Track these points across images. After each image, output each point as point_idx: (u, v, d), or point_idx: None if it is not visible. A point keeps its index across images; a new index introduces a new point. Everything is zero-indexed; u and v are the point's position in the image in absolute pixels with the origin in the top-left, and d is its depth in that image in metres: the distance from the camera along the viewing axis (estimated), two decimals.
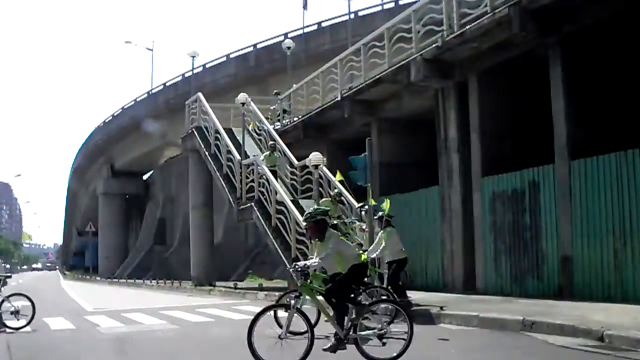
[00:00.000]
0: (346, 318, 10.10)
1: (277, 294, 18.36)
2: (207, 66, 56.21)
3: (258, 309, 16.54)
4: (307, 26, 49.88)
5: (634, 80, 17.40)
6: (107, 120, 78.33)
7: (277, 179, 26.12)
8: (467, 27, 19.44)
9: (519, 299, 17.45)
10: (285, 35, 48.37)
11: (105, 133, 78.54)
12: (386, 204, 18.02)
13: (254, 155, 28.34)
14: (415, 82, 22.03)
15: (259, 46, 52.79)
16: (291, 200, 24.67)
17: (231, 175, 29.30)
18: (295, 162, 26.95)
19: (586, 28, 17.17)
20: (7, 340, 14.00)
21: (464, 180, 21.32)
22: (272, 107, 34.42)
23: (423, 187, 23.70)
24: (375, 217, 17.33)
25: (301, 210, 24.06)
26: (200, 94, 35.20)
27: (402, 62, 22.90)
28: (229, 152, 29.38)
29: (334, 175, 23.67)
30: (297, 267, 10.34)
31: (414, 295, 19.64)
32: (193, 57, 42.24)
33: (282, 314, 10.67)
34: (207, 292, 30.83)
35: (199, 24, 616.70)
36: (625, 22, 16.91)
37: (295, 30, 50.16)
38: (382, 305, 11.60)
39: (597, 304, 15.09)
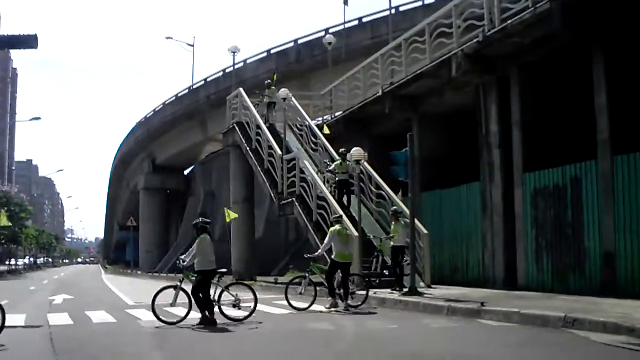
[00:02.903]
0: None
1: (318, 288, 18.46)
2: (248, 61, 56.30)
3: (298, 304, 16.78)
4: (348, 21, 49.77)
5: None
6: (148, 116, 78.83)
7: (350, 188, 25.29)
8: (508, 21, 19.32)
9: (561, 296, 17.34)
10: (326, 30, 48.28)
11: (146, 128, 79.06)
12: (227, 215, 19.98)
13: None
14: (456, 77, 21.96)
15: (299, 42, 52.75)
16: (332, 196, 24.71)
17: (272, 170, 29.37)
18: (335, 155, 26.93)
19: (628, 21, 17.01)
20: (49, 333, 14.20)
21: (505, 175, 21.19)
22: (263, 97, 34.18)
23: (464, 183, 23.62)
24: (193, 223, 16.58)
25: (342, 206, 24.11)
26: (241, 89, 35.33)
27: (443, 57, 22.83)
28: (270, 147, 29.46)
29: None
30: None
31: (454, 291, 19.64)
32: (234, 52, 42.43)
33: None
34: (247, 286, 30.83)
35: (240, 20, 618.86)
36: None
37: (335, 26, 50.08)
38: None
39: None
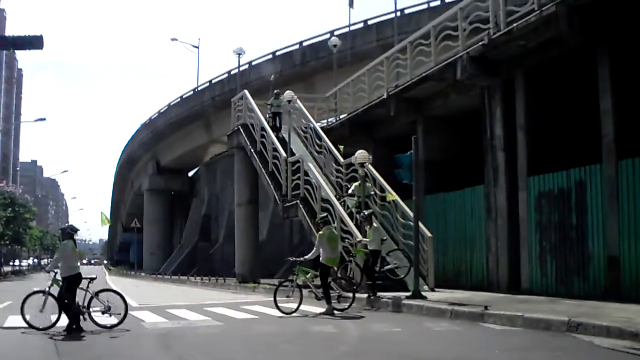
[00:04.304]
0: None
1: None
2: (253, 64, 56.31)
3: (302, 306, 16.72)
4: (353, 24, 49.73)
5: None
6: (153, 117, 78.97)
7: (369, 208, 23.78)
8: (514, 24, 19.31)
9: (565, 300, 17.29)
10: (331, 33, 48.23)
11: (151, 130, 79.18)
12: (102, 219, 19.94)
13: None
14: (461, 80, 21.96)
15: (304, 44, 52.76)
16: (336, 198, 24.65)
17: (277, 173, 29.36)
18: (341, 159, 26.91)
19: (634, 25, 16.97)
20: (52, 334, 14.19)
21: (509, 179, 21.15)
22: (270, 107, 33.66)
23: (468, 186, 23.59)
24: (61, 228, 16.34)
25: (346, 208, 24.04)
26: (246, 91, 35.32)
27: (449, 60, 22.83)
28: (275, 149, 29.44)
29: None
30: None
31: (457, 295, 19.60)
32: (239, 54, 42.37)
33: None
34: (251, 289, 30.89)
35: (245, 22, 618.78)
36: None
37: (341, 28, 50.02)
38: None
39: None
